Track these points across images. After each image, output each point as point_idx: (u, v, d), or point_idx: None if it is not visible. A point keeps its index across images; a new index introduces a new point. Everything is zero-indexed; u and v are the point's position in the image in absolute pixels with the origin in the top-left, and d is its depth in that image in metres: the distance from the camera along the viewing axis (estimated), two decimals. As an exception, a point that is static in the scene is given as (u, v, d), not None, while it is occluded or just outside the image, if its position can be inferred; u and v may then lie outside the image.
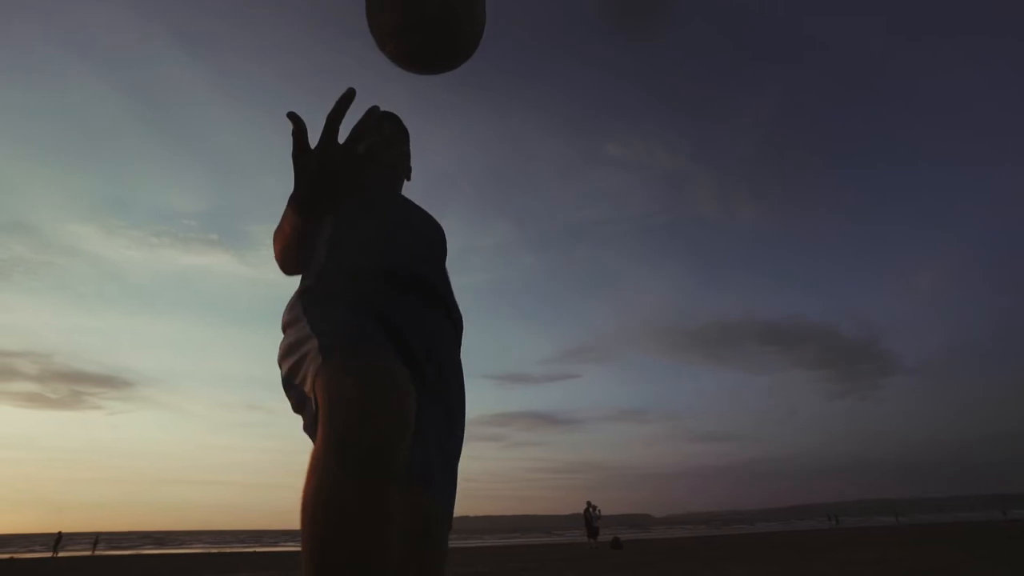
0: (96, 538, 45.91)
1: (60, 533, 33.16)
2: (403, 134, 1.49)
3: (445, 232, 1.45)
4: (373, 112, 0.96)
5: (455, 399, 1.20)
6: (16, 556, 27.68)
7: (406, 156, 1.50)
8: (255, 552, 27.91)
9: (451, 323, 1.26)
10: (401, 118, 1.51)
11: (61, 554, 30.26)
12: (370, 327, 1.01)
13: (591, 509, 20.47)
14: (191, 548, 37.72)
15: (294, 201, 0.99)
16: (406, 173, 1.50)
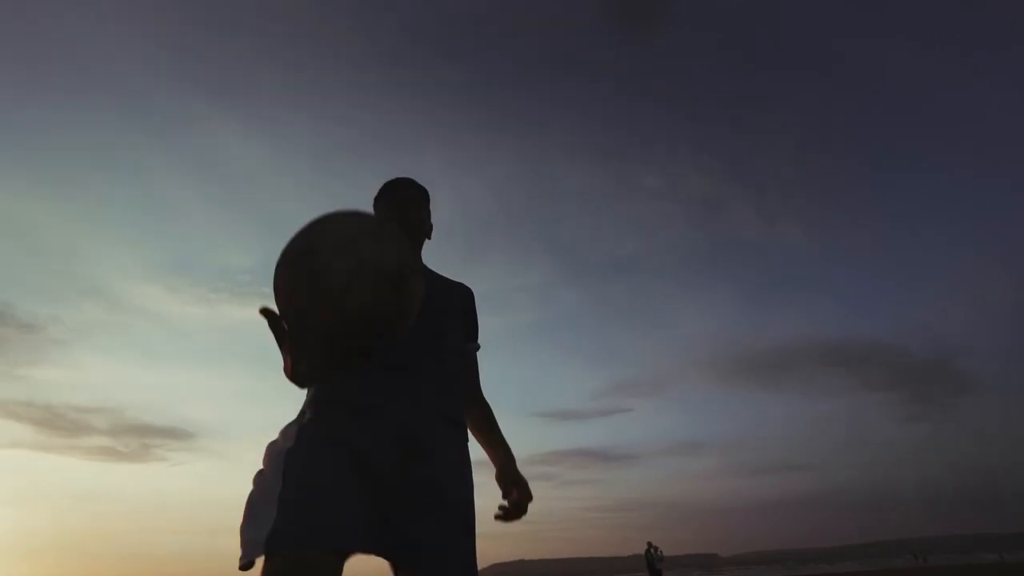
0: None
1: None
2: (409, 203, 1.44)
3: (471, 290, 1.50)
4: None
5: (447, 485, 1.21)
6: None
7: (421, 221, 1.45)
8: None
9: (442, 418, 1.25)
10: (416, 180, 1.48)
11: None
12: (325, 515, 1.01)
13: (652, 550, 19.53)
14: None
15: (287, 373, 1.02)
16: (426, 235, 1.47)
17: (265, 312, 0.97)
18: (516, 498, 1.31)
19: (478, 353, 1.50)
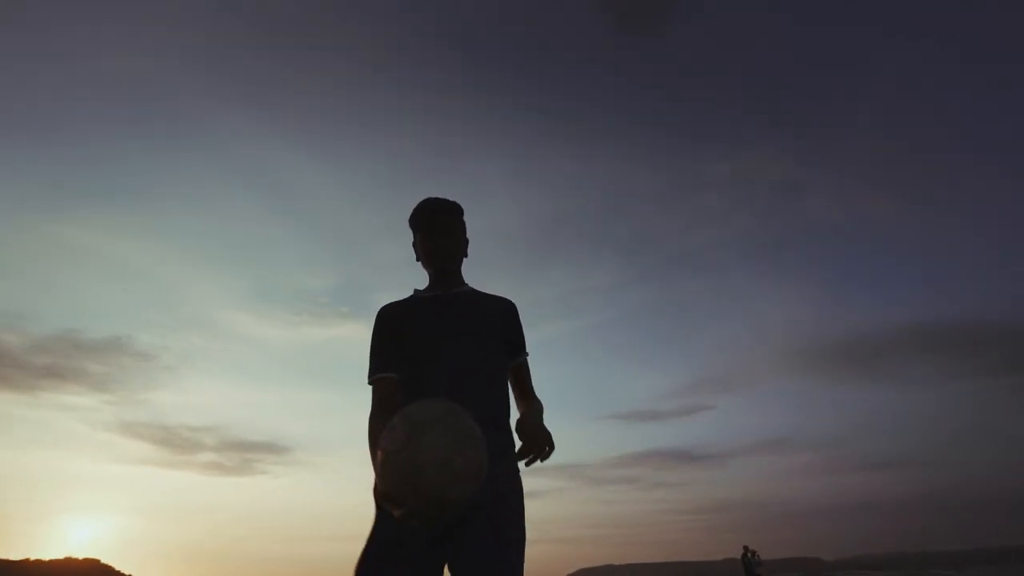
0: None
1: None
2: (448, 224, 1.52)
3: (513, 303, 1.58)
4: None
5: (493, 508, 1.32)
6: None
7: (462, 242, 1.56)
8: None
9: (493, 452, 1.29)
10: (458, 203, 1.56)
11: None
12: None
13: (749, 554, 18.49)
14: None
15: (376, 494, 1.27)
16: (465, 252, 1.57)
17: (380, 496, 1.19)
18: (526, 443, 1.34)
19: (529, 360, 1.58)
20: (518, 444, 1.37)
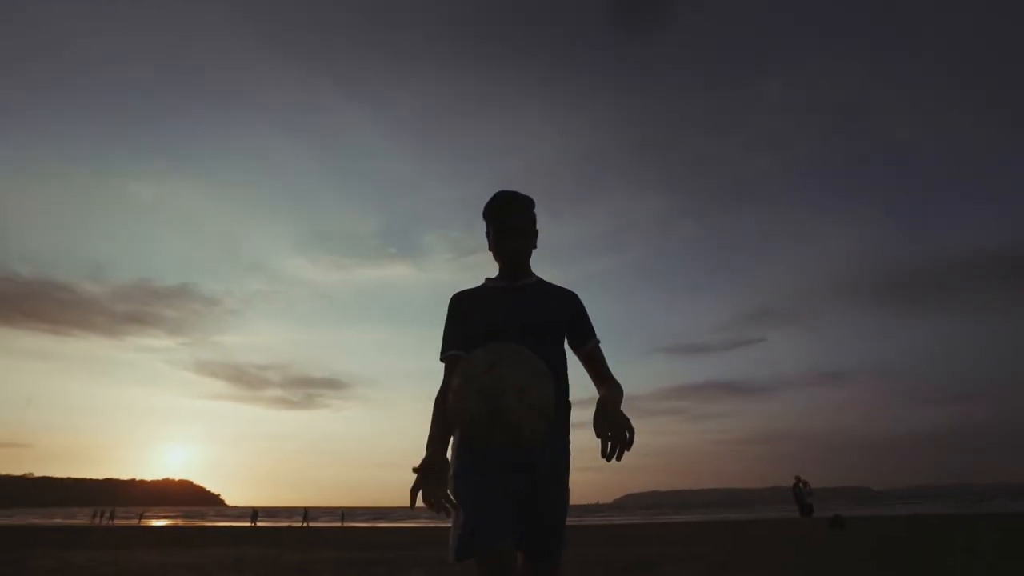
0: (342, 513, 55.72)
1: (306, 509, 42.02)
2: (521, 221, 1.58)
3: (576, 294, 1.64)
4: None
5: (544, 471, 1.47)
6: (291, 525, 34.49)
7: (533, 235, 1.62)
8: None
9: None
10: (530, 197, 1.61)
11: (311, 524, 37.27)
12: (485, 522, 1.35)
13: (800, 484, 18.66)
14: (413, 523, 43.00)
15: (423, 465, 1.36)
16: (535, 244, 1.63)
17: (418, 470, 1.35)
18: (610, 437, 1.28)
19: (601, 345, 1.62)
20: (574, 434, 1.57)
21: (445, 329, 1.57)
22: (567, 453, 1.52)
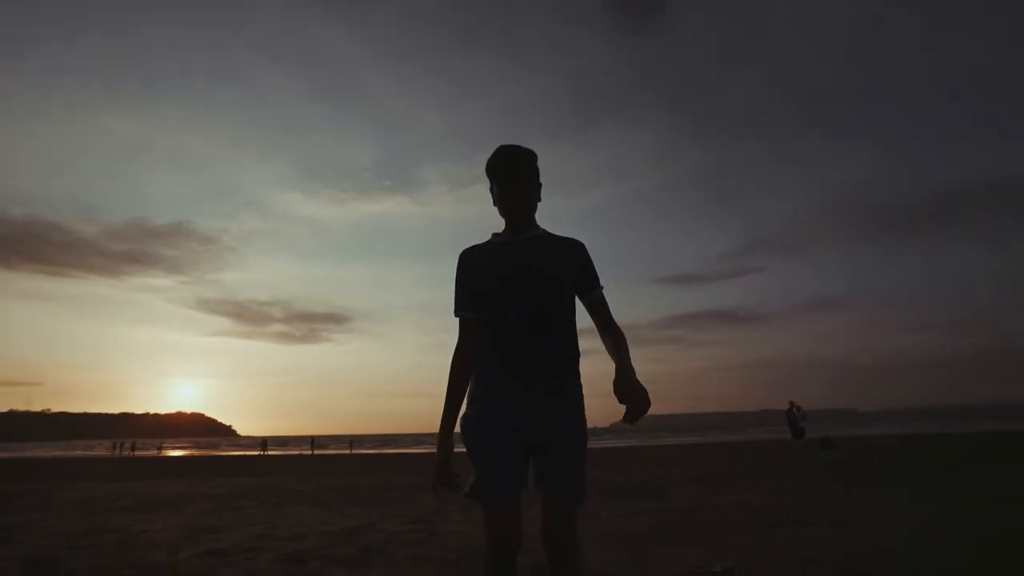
0: (350, 441, 58.36)
1: (313, 438, 44.10)
2: (525, 173, 1.58)
3: (582, 243, 1.65)
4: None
5: (550, 417, 1.50)
6: (302, 453, 36.11)
7: (537, 188, 1.63)
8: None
9: (550, 391, 1.51)
10: (531, 150, 1.60)
11: (317, 452, 39.13)
12: (492, 482, 1.48)
13: (794, 409, 19.37)
14: (418, 448, 44.92)
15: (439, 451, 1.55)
16: (539, 197, 1.64)
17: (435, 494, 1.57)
18: (629, 407, 1.40)
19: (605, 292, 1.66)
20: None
21: (455, 287, 1.63)
22: (580, 401, 1.55)
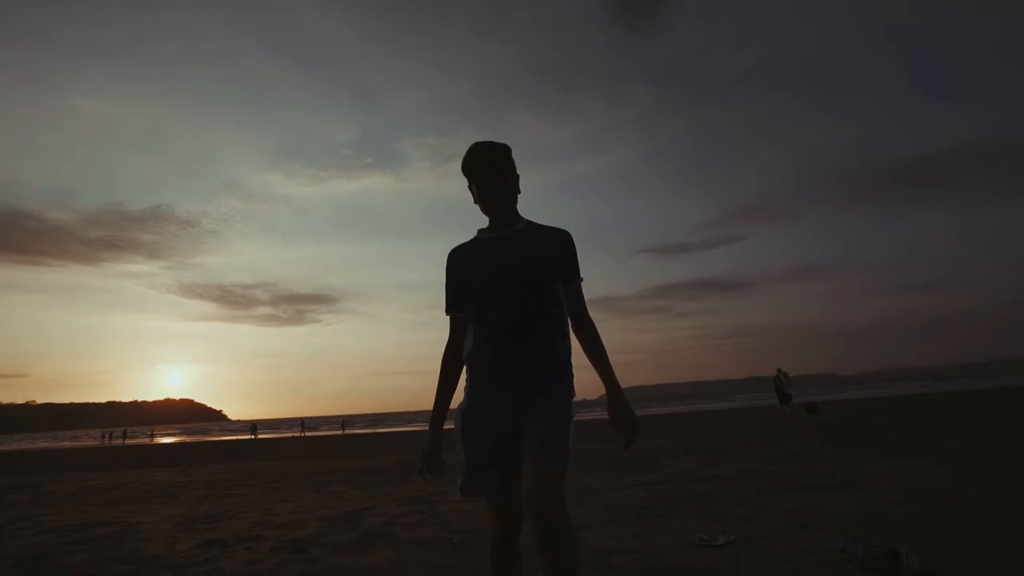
0: (342, 421, 58.68)
1: (303, 420, 44.43)
2: (501, 170, 1.58)
3: (569, 233, 1.67)
4: None
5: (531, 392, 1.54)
6: (295, 435, 36.20)
7: (515, 181, 1.63)
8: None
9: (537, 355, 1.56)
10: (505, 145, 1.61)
11: (308, 433, 39.33)
12: (483, 475, 1.53)
13: (781, 376, 19.72)
14: (410, 427, 45.23)
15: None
16: (518, 190, 1.65)
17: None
18: (623, 437, 1.56)
19: (583, 285, 1.68)
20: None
21: (446, 286, 1.67)
22: (570, 402, 1.57)
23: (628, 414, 1.54)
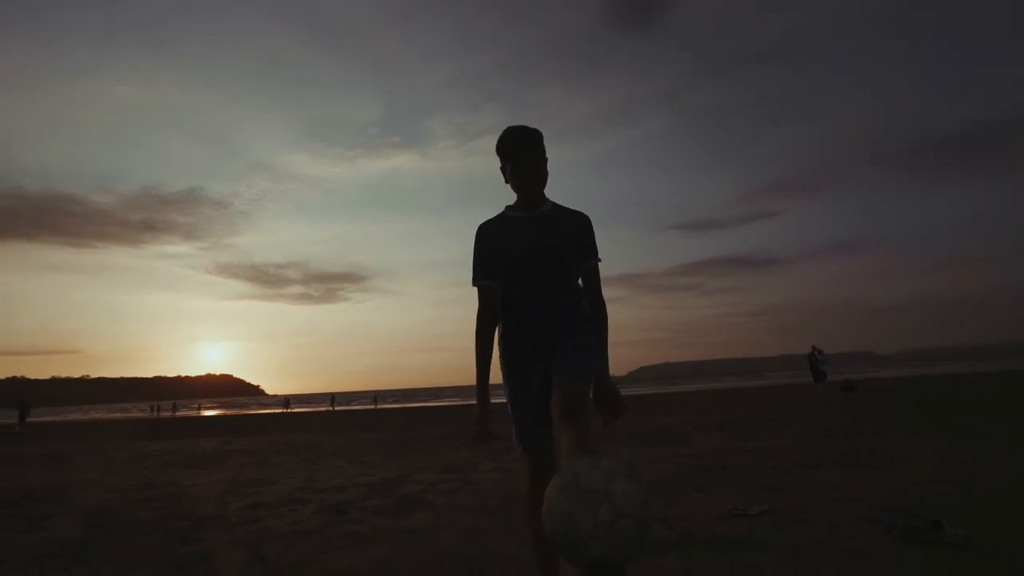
0: (374, 396, 60.23)
1: (333, 395, 45.87)
2: (536, 156, 1.70)
3: (588, 217, 1.79)
4: None
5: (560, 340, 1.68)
6: (328, 409, 37.37)
7: (546, 167, 1.74)
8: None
9: (558, 323, 1.70)
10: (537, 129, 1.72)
11: (339, 408, 40.56)
12: (528, 419, 1.70)
13: (816, 353, 19.32)
14: (439, 402, 46.04)
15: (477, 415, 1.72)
16: (547, 175, 1.76)
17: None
18: (605, 413, 1.72)
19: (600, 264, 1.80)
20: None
21: (474, 258, 1.77)
22: (592, 341, 1.69)
23: (611, 391, 1.69)
